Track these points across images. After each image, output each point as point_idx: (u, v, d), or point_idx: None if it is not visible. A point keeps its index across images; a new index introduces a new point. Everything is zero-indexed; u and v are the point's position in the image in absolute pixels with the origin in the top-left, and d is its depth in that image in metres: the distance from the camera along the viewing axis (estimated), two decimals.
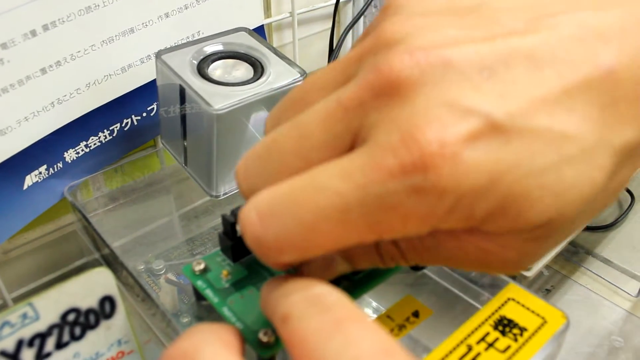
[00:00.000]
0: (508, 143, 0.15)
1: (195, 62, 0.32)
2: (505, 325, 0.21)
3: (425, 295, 0.23)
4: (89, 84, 0.33)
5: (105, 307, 0.20)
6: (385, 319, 0.22)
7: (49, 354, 0.20)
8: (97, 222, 0.35)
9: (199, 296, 0.22)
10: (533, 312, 0.22)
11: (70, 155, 0.35)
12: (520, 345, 0.21)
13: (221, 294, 0.21)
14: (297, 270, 0.19)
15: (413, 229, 0.16)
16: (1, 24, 0.28)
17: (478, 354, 0.20)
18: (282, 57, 0.33)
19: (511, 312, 0.22)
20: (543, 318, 0.21)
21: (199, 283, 0.22)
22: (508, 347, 0.20)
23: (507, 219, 0.15)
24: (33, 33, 0.29)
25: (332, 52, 0.47)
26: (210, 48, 0.33)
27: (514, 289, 0.23)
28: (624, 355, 0.33)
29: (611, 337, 0.34)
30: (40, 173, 0.33)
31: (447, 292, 0.26)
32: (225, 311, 0.20)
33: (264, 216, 0.16)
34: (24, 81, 0.30)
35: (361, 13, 0.48)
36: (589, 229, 0.42)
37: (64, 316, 0.20)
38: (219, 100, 0.29)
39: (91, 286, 0.20)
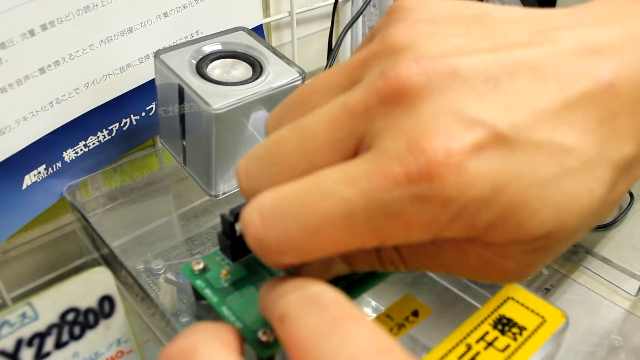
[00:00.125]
0: (511, 154, 0.15)
1: (194, 62, 0.32)
2: (504, 324, 0.21)
3: (425, 294, 0.23)
4: (88, 83, 0.33)
5: (105, 307, 0.20)
6: (384, 318, 0.22)
7: (48, 354, 0.20)
8: (96, 222, 0.35)
9: (198, 296, 0.22)
10: (532, 311, 0.22)
11: (69, 155, 0.35)
12: (519, 344, 0.21)
13: (220, 293, 0.21)
14: (296, 271, 0.19)
15: (415, 236, 0.16)
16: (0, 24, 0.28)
17: (477, 353, 0.20)
18: (281, 56, 0.33)
19: (510, 311, 0.22)
20: (542, 317, 0.21)
21: (198, 282, 0.22)
22: (507, 346, 0.20)
23: (508, 230, 0.16)
24: (31, 33, 0.29)
25: (331, 52, 0.47)
26: (209, 47, 0.33)
27: (513, 288, 0.23)
28: (624, 355, 0.33)
29: (610, 336, 0.34)
30: (39, 173, 0.33)
31: (446, 291, 0.26)
32: (225, 311, 0.20)
33: (267, 218, 0.16)
34: (22, 81, 0.30)
35: (360, 12, 0.48)
36: None
37: (63, 316, 0.20)
38: (218, 99, 0.29)
39: (90, 286, 0.20)
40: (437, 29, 0.17)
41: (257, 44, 0.34)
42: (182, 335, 0.17)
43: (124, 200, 0.39)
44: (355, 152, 0.17)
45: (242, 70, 0.32)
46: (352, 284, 0.21)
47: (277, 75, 0.32)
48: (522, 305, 0.22)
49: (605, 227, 0.42)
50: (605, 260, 0.39)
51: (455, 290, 0.26)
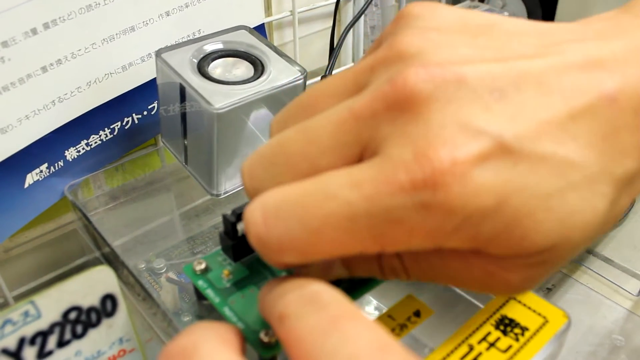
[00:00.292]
0: (516, 165, 0.15)
1: (196, 61, 0.32)
2: (506, 324, 0.21)
3: (427, 294, 0.23)
4: (90, 82, 0.33)
5: (107, 305, 0.20)
6: (386, 318, 0.22)
7: (50, 352, 0.20)
8: (97, 221, 0.35)
9: (200, 296, 0.22)
10: (534, 311, 0.22)
11: (71, 153, 0.35)
12: (521, 345, 0.21)
13: (222, 293, 0.21)
14: (295, 272, 0.19)
15: (417, 244, 0.16)
16: (2, 22, 0.28)
17: (479, 354, 0.20)
18: (283, 55, 0.33)
19: (512, 311, 0.22)
20: (544, 317, 0.21)
21: (200, 283, 0.22)
22: (509, 347, 0.20)
23: (512, 242, 0.16)
24: (34, 31, 0.29)
25: (333, 51, 0.47)
26: (211, 46, 0.33)
27: None
28: (625, 354, 0.33)
29: (612, 336, 0.34)
30: (41, 171, 0.33)
31: (448, 292, 0.26)
32: (227, 311, 0.20)
33: (269, 217, 0.16)
34: (24, 79, 0.30)
35: (362, 12, 0.48)
36: None
37: (65, 314, 0.20)
38: (220, 99, 0.29)
39: (92, 284, 0.20)
40: (444, 38, 0.18)
41: (258, 42, 0.34)
42: (183, 334, 0.17)
43: (125, 200, 0.39)
44: (359, 157, 0.17)
45: (243, 69, 0.32)
46: (353, 284, 0.21)
47: (278, 74, 0.32)
48: (524, 305, 0.22)
49: None
50: (607, 260, 0.39)
51: (457, 290, 0.26)
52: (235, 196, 0.34)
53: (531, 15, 0.55)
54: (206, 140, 0.31)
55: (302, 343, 0.15)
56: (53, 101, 0.32)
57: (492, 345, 0.21)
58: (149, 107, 0.38)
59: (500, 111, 0.16)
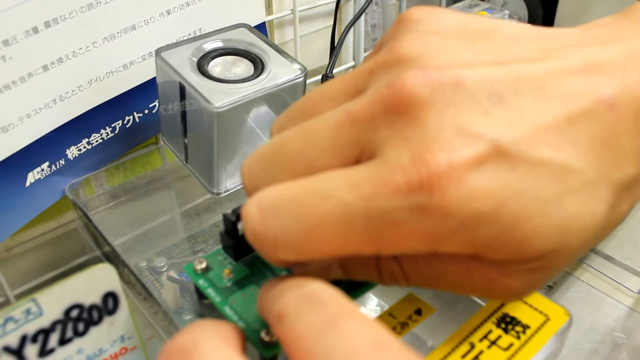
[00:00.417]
0: (513, 170, 0.15)
1: (195, 59, 0.32)
2: (508, 322, 0.21)
3: (428, 292, 0.23)
4: (91, 81, 0.33)
5: (108, 303, 0.20)
6: (387, 316, 0.22)
7: (52, 350, 0.20)
8: (98, 220, 0.35)
9: (201, 295, 0.22)
10: (536, 309, 0.22)
11: (72, 152, 0.35)
12: (523, 343, 0.21)
13: (223, 292, 0.21)
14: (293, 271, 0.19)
15: (413, 247, 0.16)
16: (3, 21, 0.28)
17: (481, 352, 0.20)
18: (283, 53, 0.33)
19: (514, 309, 0.22)
20: (546, 315, 0.21)
21: (201, 282, 0.22)
22: (511, 345, 0.20)
23: (510, 247, 0.16)
24: (35, 30, 0.29)
25: (334, 50, 0.47)
26: (210, 45, 0.33)
27: None
28: (627, 352, 0.33)
29: (613, 334, 0.34)
30: (42, 170, 0.33)
31: (449, 292, 0.26)
32: (227, 310, 0.20)
33: (266, 213, 0.17)
34: (25, 78, 0.30)
35: (362, 10, 0.48)
36: None
37: (67, 312, 0.20)
38: (219, 97, 0.29)
39: (94, 282, 0.20)
40: (444, 42, 0.18)
41: (258, 41, 0.33)
42: (183, 331, 0.17)
43: (126, 198, 0.39)
44: (357, 159, 0.17)
45: (243, 67, 0.32)
46: (353, 284, 0.21)
47: (278, 72, 0.32)
48: (526, 303, 0.22)
49: None
50: (608, 258, 0.39)
51: None
52: (235, 194, 0.34)
53: (532, 13, 0.54)
54: (206, 139, 0.31)
55: (301, 342, 0.15)
56: (54, 100, 0.32)
57: (493, 343, 0.21)
58: (150, 105, 0.38)
59: (498, 116, 0.16)
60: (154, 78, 0.36)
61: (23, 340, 0.19)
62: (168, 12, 0.35)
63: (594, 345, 0.34)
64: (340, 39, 0.46)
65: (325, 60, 0.52)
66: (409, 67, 0.17)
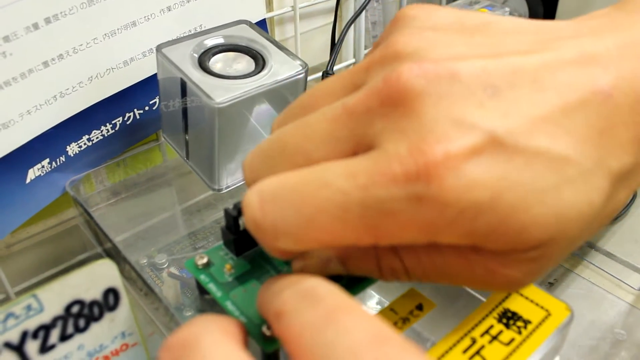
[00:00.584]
0: (510, 161, 0.15)
1: (196, 56, 0.32)
2: (509, 317, 0.21)
3: (429, 288, 0.23)
4: (92, 77, 0.33)
5: (109, 299, 0.20)
6: (388, 312, 0.22)
7: (53, 346, 0.20)
8: (99, 217, 0.35)
9: (202, 290, 0.22)
10: (537, 304, 0.22)
11: (72, 149, 0.35)
12: (524, 338, 0.21)
13: (224, 288, 0.21)
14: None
15: (411, 237, 0.16)
16: (3, 17, 0.28)
17: (482, 347, 0.20)
18: (283, 49, 0.33)
19: (515, 304, 0.22)
20: (547, 310, 0.21)
21: (202, 277, 0.22)
22: (512, 340, 0.20)
23: (508, 237, 0.16)
24: (35, 26, 0.29)
25: (334, 46, 0.47)
26: (211, 41, 0.33)
27: None
28: (627, 348, 0.33)
29: (614, 330, 0.34)
30: (42, 167, 0.33)
31: (450, 285, 0.26)
32: (229, 305, 0.20)
33: (265, 201, 0.17)
34: (26, 74, 0.30)
35: (363, 7, 0.48)
36: None
37: (68, 308, 0.20)
38: (221, 93, 0.29)
39: (95, 278, 0.20)
40: (441, 36, 0.18)
41: (259, 37, 0.33)
42: (184, 326, 0.17)
43: (127, 195, 0.39)
44: (354, 152, 0.17)
45: (244, 63, 0.32)
46: (354, 280, 0.21)
47: (279, 69, 0.32)
48: (527, 298, 0.22)
49: None
50: (609, 255, 0.39)
51: None
52: (236, 191, 0.34)
53: (532, 10, 0.54)
54: (207, 135, 0.31)
55: (300, 338, 0.15)
56: (55, 96, 0.32)
57: (494, 338, 0.21)
58: (151, 102, 0.38)
59: (493, 107, 0.16)
60: (155, 74, 0.36)
61: (24, 336, 0.19)
62: (169, 9, 0.35)
63: (594, 342, 0.34)
64: (340, 36, 0.46)
65: (325, 57, 0.52)
66: (405, 61, 0.17)
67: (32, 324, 0.19)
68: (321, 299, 0.16)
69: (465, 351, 0.20)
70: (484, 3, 0.54)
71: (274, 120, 0.21)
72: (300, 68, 0.32)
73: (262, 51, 0.33)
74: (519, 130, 0.16)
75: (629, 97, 0.16)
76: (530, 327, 0.21)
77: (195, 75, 0.30)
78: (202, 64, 0.31)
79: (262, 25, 0.42)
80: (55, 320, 0.19)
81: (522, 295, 0.22)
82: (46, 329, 0.19)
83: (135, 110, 0.37)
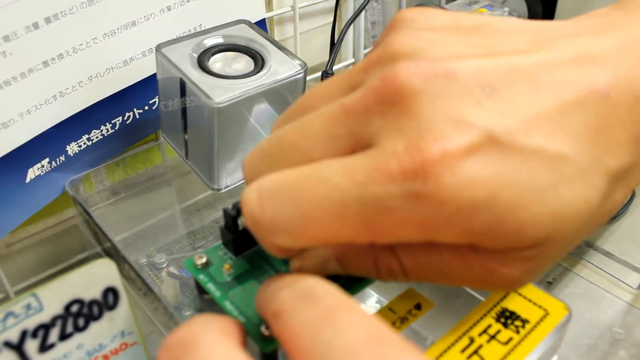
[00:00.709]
0: (507, 159, 0.15)
1: (196, 55, 0.32)
2: (507, 317, 0.21)
3: (428, 287, 0.23)
4: (91, 77, 0.33)
5: (109, 299, 0.20)
6: (387, 311, 0.23)
7: (52, 345, 0.20)
8: (98, 216, 0.35)
9: (201, 290, 0.22)
10: (535, 303, 0.22)
11: (72, 148, 0.35)
12: (522, 337, 0.21)
13: (223, 287, 0.21)
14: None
15: (408, 235, 0.16)
16: (3, 17, 0.28)
17: (480, 346, 0.20)
18: (283, 49, 0.33)
19: (513, 304, 0.22)
20: (545, 310, 0.22)
21: (201, 277, 0.22)
22: (510, 339, 0.21)
23: (506, 235, 0.16)
24: (35, 26, 0.29)
25: (334, 46, 0.47)
26: (211, 41, 0.33)
27: None
28: (625, 347, 0.33)
29: (612, 330, 0.34)
30: (42, 166, 0.33)
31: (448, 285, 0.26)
32: (227, 305, 0.20)
33: (264, 198, 0.17)
34: (26, 74, 0.30)
35: (362, 7, 0.48)
36: None
37: (67, 307, 0.20)
38: (220, 93, 0.29)
39: (94, 277, 0.20)
40: (437, 37, 0.18)
41: (258, 37, 0.33)
42: (183, 326, 0.17)
43: (126, 194, 0.39)
44: (352, 150, 0.17)
45: (243, 63, 0.32)
46: (352, 279, 0.21)
47: (279, 68, 0.32)
48: (525, 298, 0.22)
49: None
50: (607, 254, 0.39)
51: None
52: (236, 191, 0.34)
53: (531, 10, 0.54)
54: (206, 135, 0.31)
55: (298, 338, 0.15)
56: (54, 96, 0.32)
57: (492, 337, 0.21)
58: (150, 101, 0.38)
59: (490, 106, 0.16)
60: (154, 74, 0.36)
61: (23, 335, 0.19)
62: (168, 8, 0.35)
63: (593, 341, 0.34)
64: (340, 35, 0.46)
65: (325, 57, 0.52)
66: (402, 60, 0.17)
67: (31, 323, 0.19)
68: (319, 299, 0.16)
69: (463, 350, 0.20)
70: (483, 3, 0.54)
71: (274, 122, 0.22)
72: (300, 68, 0.32)
73: (262, 51, 0.33)
74: (516, 128, 0.16)
75: (627, 96, 0.17)
76: (528, 326, 0.21)
77: (195, 75, 0.30)
78: (202, 63, 0.31)
79: (261, 25, 0.42)
80: (54, 320, 0.19)
81: (520, 294, 0.22)
82: (46, 328, 0.19)
83: (134, 109, 0.37)
